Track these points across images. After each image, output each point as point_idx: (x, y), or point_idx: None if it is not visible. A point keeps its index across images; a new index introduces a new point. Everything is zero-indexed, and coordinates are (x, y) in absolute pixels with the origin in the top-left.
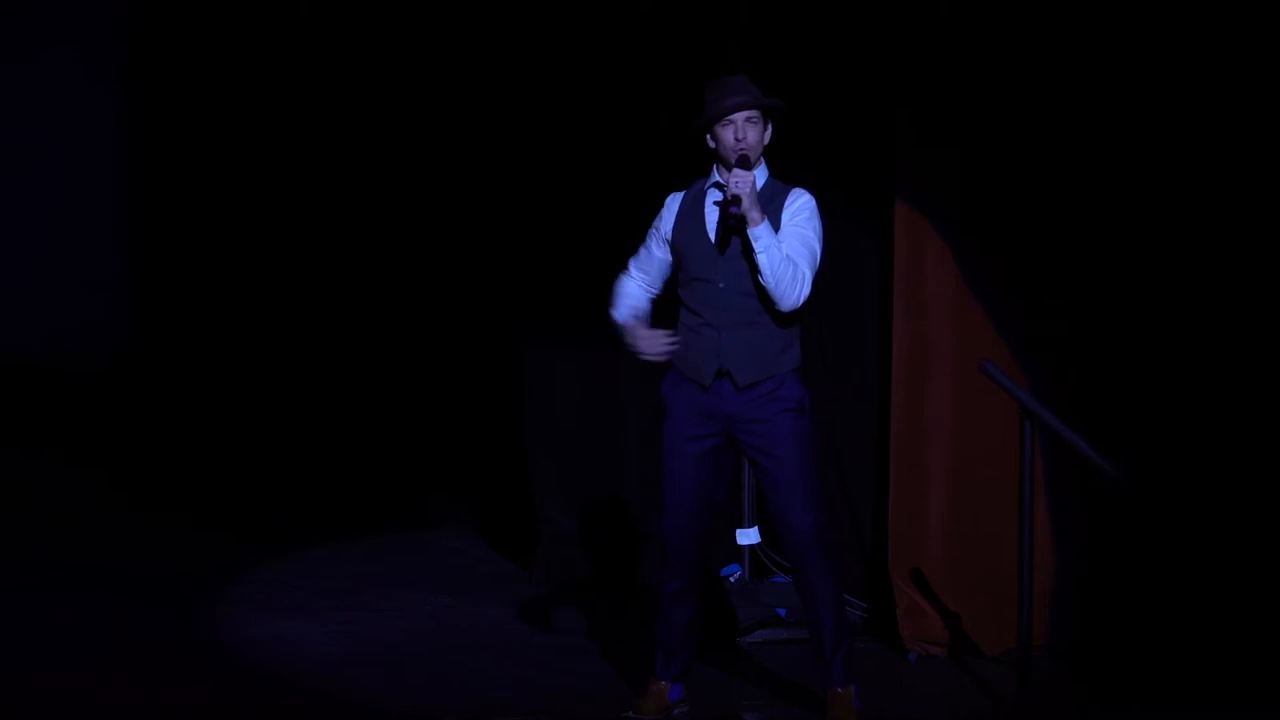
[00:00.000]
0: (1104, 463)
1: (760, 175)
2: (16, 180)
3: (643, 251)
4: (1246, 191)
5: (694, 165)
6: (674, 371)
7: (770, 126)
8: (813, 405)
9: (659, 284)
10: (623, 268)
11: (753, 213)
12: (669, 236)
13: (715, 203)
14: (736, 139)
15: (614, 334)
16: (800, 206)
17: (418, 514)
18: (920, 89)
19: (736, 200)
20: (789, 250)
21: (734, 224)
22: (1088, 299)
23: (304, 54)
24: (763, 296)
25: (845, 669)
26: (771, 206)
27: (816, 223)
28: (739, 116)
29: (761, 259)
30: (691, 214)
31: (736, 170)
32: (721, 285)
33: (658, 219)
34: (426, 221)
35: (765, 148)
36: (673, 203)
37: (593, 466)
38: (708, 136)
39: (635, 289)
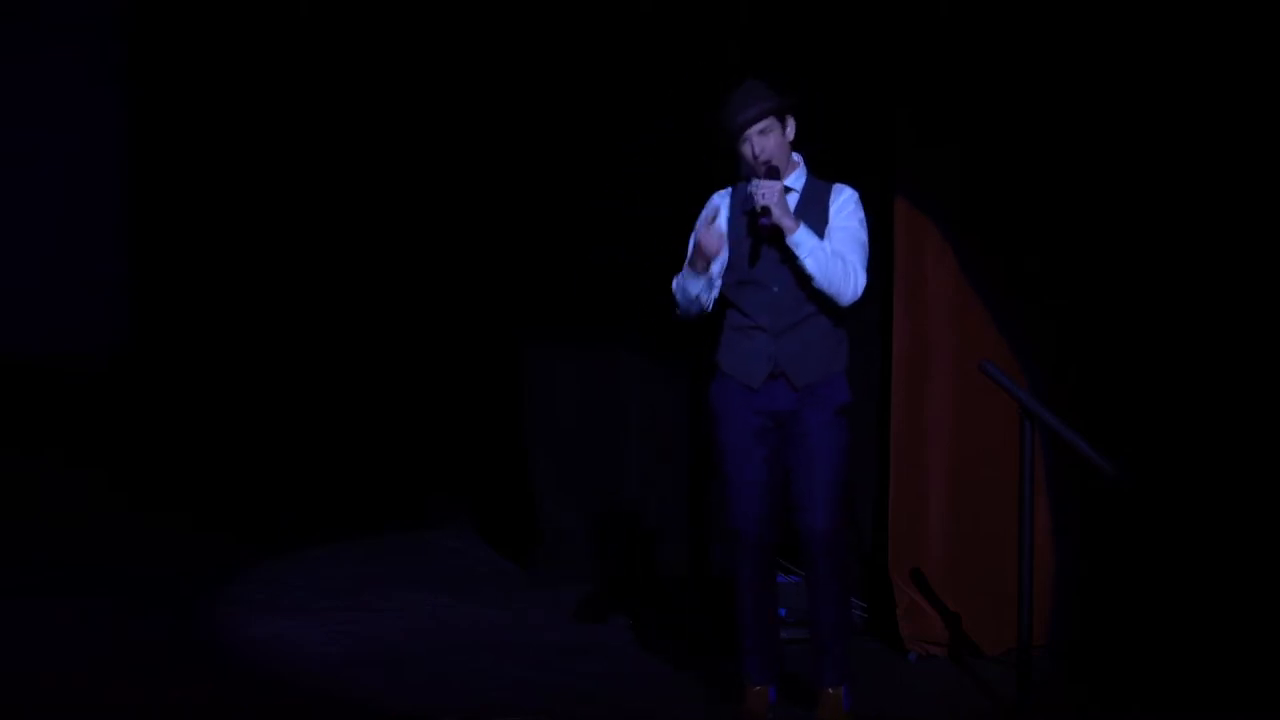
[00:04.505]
0: (1104, 463)
1: (800, 176)
2: (16, 180)
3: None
4: (1246, 191)
5: (694, 166)
6: (721, 375)
7: (791, 121)
8: None
9: (719, 283)
10: (622, 269)
11: (785, 220)
12: (725, 232)
13: (745, 213)
14: (755, 154)
15: (614, 334)
16: (844, 202)
17: (418, 514)
18: (920, 89)
19: (766, 211)
20: (835, 246)
21: (768, 235)
22: (1088, 299)
23: (304, 54)
24: (814, 297)
25: (839, 670)
26: (815, 205)
27: (861, 214)
28: (750, 131)
29: (808, 263)
30: (742, 215)
31: (763, 181)
32: (775, 289)
33: (704, 219)
34: (426, 221)
35: (794, 144)
36: (722, 200)
37: (593, 466)
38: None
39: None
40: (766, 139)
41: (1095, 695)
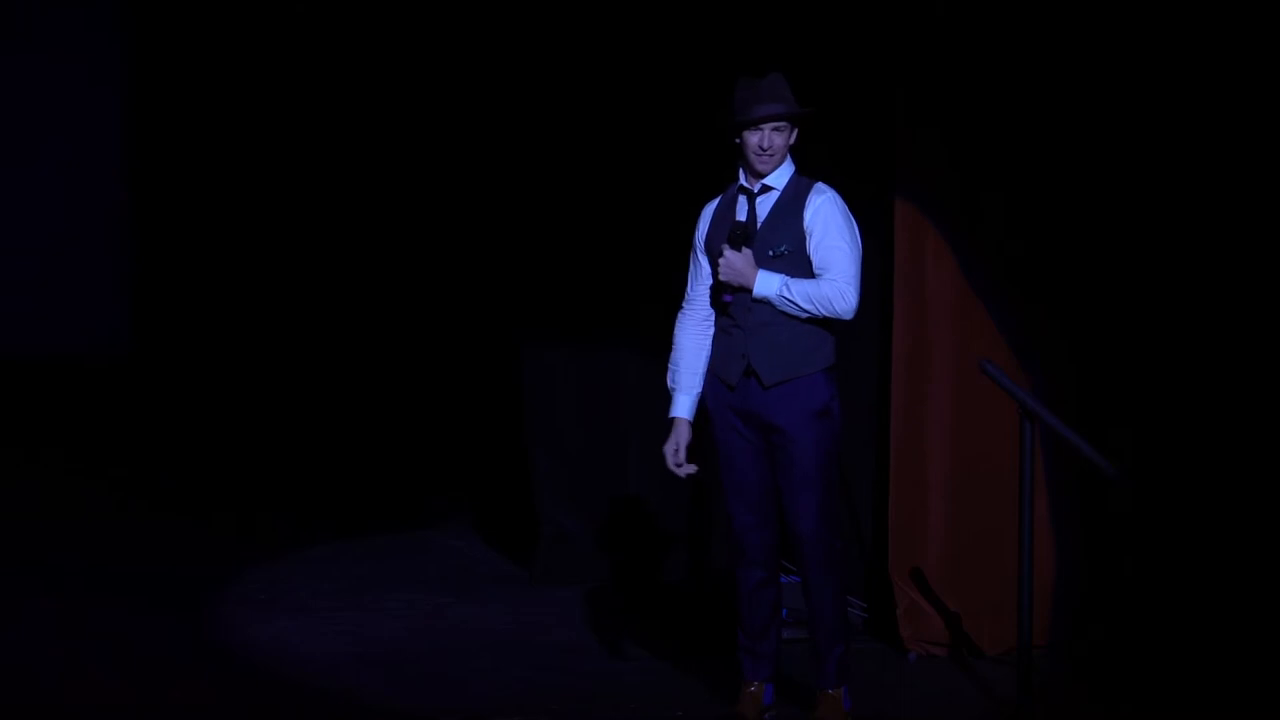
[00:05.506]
0: (1104, 462)
1: (784, 173)
2: (16, 180)
3: (691, 272)
4: (1247, 189)
5: (695, 165)
6: (709, 374)
7: (796, 128)
8: None
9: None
10: (622, 269)
11: (742, 278)
12: (702, 245)
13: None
14: (762, 147)
15: (614, 334)
16: (820, 206)
17: (418, 514)
18: (921, 88)
19: (727, 288)
20: (819, 258)
21: (735, 299)
22: (1088, 299)
23: (304, 54)
24: None
25: (838, 670)
26: (793, 204)
27: (841, 218)
28: (767, 125)
29: (789, 309)
30: (721, 220)
31: (727, 250)
32: (750, 290)
33: (695, 232)
34: (427, 222)
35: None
36: (706, 212)
37: (592, 466)
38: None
39: (695, 336)
40: (778, 136)
41: (1095, 695)
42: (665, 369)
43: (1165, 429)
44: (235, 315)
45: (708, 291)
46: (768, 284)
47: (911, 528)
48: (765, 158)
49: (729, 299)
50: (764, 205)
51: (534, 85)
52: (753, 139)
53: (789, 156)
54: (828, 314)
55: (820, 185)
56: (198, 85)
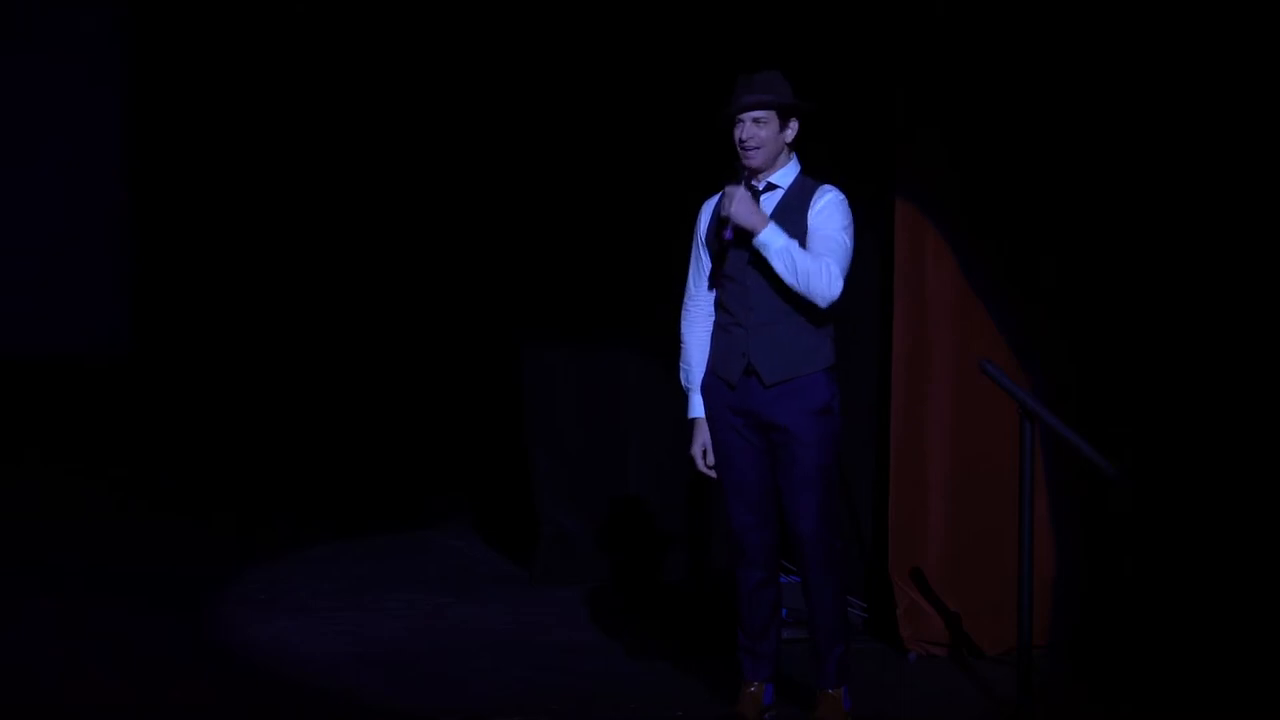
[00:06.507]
0: (1104, 462)
1: (788, 173)
2: (16, 180)
3: (692, 270)
4: (1247, 189)
5: (696, 165)
6: (709, 371)
7: (794, 123)
8: None
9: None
10: (622, 269)
11: (751, 219)
12: (704, 240)
13: (719, 215)
14: (742, 139)
15: (614, 334)
16: (825, 204)
17: (418, 514)
18: (921, 87)
19: (725, 222)
20: (814, 245)
21: (733, 243)
22: (1088, 298)
23: (304, 54)
24: (789, 296)
25: (838, 670)
26: (797, 204)
27: (843, 215)
28: (746, 116)
29: (777, 265)
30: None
31: (728, 187)
32: (749, 285)
33: (696, 228)
34: (426, 221)
35: (791, 145)
36: (706, 207)
37: (593, 466)
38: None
39: (703, 334)
40: (759, 129)
41: (1095, 695)
42: (665, 369)
43: (1165, 429)
44: (235, 316)
45: (711, 288)
46: (775, 235)
47: (911, 528)
48: (751, 151)
49: (729, 236)
50: (768, 203)
51: (534, 85)
52: (736, 132)
53: (794, 156)
54: (807, 289)
55: (828, 186)
56: (198, 85)
